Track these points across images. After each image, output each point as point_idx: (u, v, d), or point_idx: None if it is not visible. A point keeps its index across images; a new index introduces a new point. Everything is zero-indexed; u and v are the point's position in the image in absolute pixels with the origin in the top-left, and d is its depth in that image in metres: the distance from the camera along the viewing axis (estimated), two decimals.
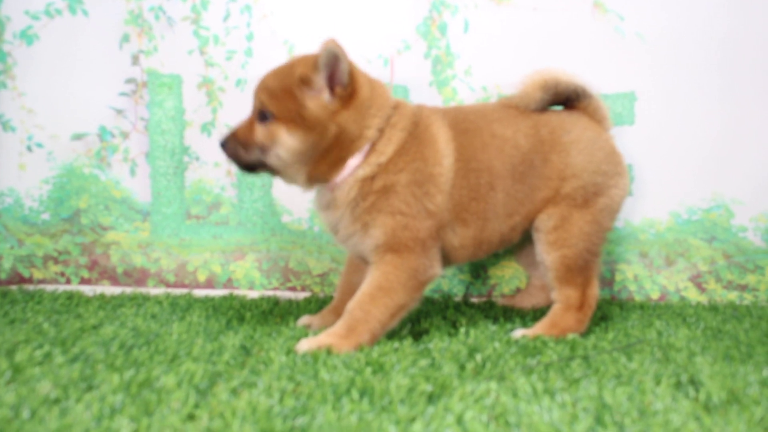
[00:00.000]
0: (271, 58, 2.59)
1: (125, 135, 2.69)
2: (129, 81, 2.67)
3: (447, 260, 2.17)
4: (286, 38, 2.63)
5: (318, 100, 1.96)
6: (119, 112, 2.68)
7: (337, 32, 2.57)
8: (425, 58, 2.63)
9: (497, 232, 2.17)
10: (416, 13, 2.62)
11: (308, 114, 1.96)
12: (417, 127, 2.08)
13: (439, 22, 2.63)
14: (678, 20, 2.60)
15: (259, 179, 2.67)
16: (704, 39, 2.60)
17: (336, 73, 1.94)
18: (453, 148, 2.10)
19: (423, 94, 2.61)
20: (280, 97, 1.97)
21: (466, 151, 2.11)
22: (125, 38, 2.65)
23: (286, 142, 1.98)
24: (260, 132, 2.00)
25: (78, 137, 2.68)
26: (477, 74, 2.63)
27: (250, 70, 2.64)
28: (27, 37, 2.64)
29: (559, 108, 2.30)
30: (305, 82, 1.96)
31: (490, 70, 2.62)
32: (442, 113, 2.17)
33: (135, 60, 2.66)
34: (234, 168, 2.66)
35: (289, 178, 2.09)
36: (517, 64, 2.48)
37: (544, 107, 2.24)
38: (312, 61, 1.95)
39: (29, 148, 2.69)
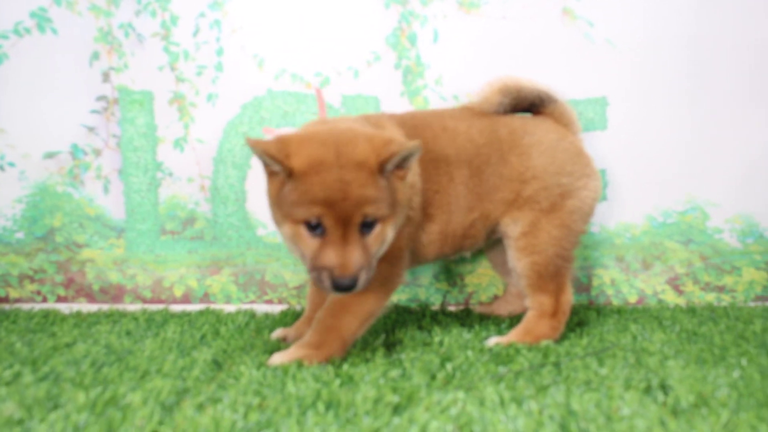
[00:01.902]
0: (241, 72, 2.62)
1: (97, 152, 2.68)
2: (100, 98, 2.66)
3: (415, 260, 2.18)
4: (256, 52, 2.63)
5: (398, 181, 1.86)
6: (91, 129, 2.67)
7: (307, 45, 2.60)
8: (396, 68, 2.64)
9: (460, 225, 2.17)
10: (385, 24, 2.63)
11: (401, 198, 1.87)
12: None
13: (409, 32, 2.63)
14: (647, 25, 2.61)
15: (232, 193, 2.67)
16: (674, 43, 2.62)
17: (405, 164, 1.84)
18: None
19: (394, 105, 2.61)
20: (382, 198, 1.79)
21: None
22: (95, 56, 2.65)
23: (390, 236, 1.88)
24: (371, 242, 1.82)
25: (50, 156, 2.67)
26: (448, 83, 2.64)
27: (220, 85, 2.64)
28: None
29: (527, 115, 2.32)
30: (381, 171, 1.80)
31: (461, 79, 2.62)
32: (392, 117, 2.18)
33: (106, 77, 2.66)
34: (207, 183, 2.67)
35: None
36: (487, 72, 2.48)
37: (506, 112, 2.25)
38: (382, 153, 1.78)
39: (1, 168, 2.67)
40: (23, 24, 2.63)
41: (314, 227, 1.79)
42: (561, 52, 2.63)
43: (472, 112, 2.26)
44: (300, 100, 2.64)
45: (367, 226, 1.80)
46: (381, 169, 1.78)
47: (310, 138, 1.81)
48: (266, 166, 1.84)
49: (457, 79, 2.63)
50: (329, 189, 1.74)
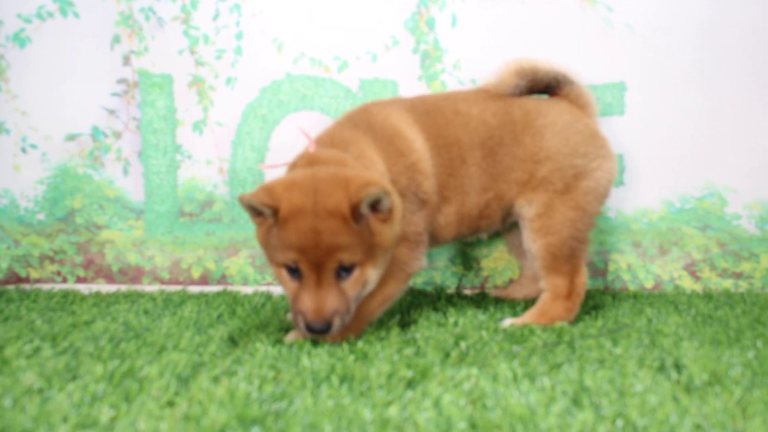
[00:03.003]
0: (260, 56, 2.64)
1: (118, 135, 2.71)
2: (120, 81, 2.69)
3: (434, 241, 2.20)
4: (275, 36, 2.65)
5: (378, 224, 1.88)
6: (111, 112, 2.70)
7: (325, 29, 2.62)
8: (414, 53, 2.64)
9: (475, 205, 2.18)
10: (404, 9, 2.63)
11: (382, 240, 1.88)
12: (373, 129, 2.09)
13: (427, 17, 2.64)
14: (666, 10, 2.60)
15: (250, 175, 2.69)
16: (693, 28, 2.60)
17: (378, 207, 1.86)
18: (418, 130, 2.13)
19: (412, 89, 2.62)
20: (356, 243, 1.83)
21: (431, 130, 2.14)
22: (116, 39, 2.68)
23: (374, 277, 1.91)
24: (349, 286, 1.86)
25: (71, 138, 2.71)
26: (466, 68, 2.64)
27: (239, 69, 2.66)
28: (20, 39, 2.67)
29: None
30: (356, 218, 1.83)
31: (479, 63, 2.62)
32: (396, 103, 2.21)
33: (126, 60, 2.68)
34: (226, 165, 2.69)
35: None
36: (505, 56, 2.47)
37: (522, 94, 2.26)
38: (354, 200, 1.81)
39: (23, 150, 2.71)
40: (46, 8, 2.66)
41: (293, 271, 1.86)
42: (579, 37, 2.62)
43: (487, 94, 2.26)
44: (318, 83, 2.66)
45: (345, 270, 1.85)
46: (355, 215, 1.82)
47: (294, 185, 1.86)
48: (252, 215, 1.91)
49: (474, 63, 2.63)
50: (303, 236, 1.81)
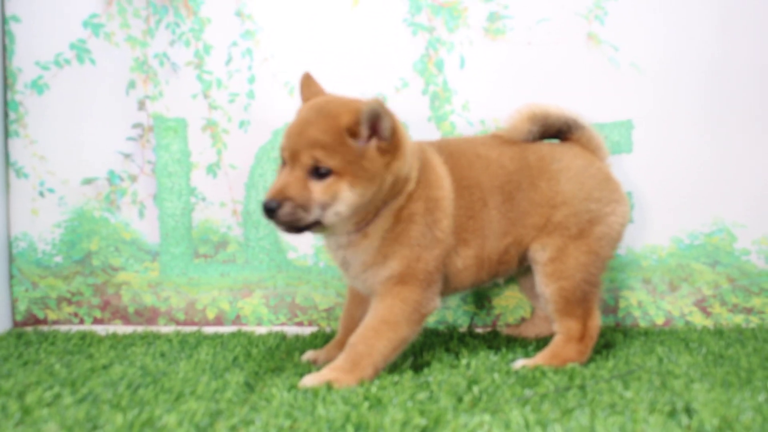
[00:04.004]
0: (272, 99, 2.69)
1: (133, 178, 2.76)
2: (136, 126, 2.75)
3: (452, 287, 2.21)
4: (287, 80, 2.70)
5: (374, 151, 1.95)
6: (127, 156, 2.76)
7: (336, 73, 2.66)
8: (423, 94, 2.69)
9: (495, 250, 2.20)
10: (413, 51, 2.69)
11: (369, 166, 1.95)
12: (421, 156, 2.15)
13: (436, 59, 2.69)
14: (671, 49, 2.64)
15: (264, 218, 2.72)
16: (698, 66, 2.64)
17: (378, 129, 1.94)
18: (447, 171, 2.16)
19: (422, 130, 2.66)
20: (339, 151, 1.91)
21: (456, 171, 2.18)
22: (131, 84, 2.74)
23: (348, 198, 1.93)
24: (318, 189, 1.92)
25: (88, 182, 2.76)
26: (474, 109, 2.68)
27: (252, 112, 2.72)
28: (38, 86, 2.73)
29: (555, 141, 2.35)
30: (352, 133, 1.93)
31: (488, 104, 2.67)
32: (425, 142, 2.25)
33: (141, 105, 2.74)
34: (239, 207, 2.74)
35: (335, 231, 2.05)
36: (514, 97, 2.54)
37: (535, 139, 2.29)
38: (355, 113, 1.92)
39: (41, 194, 2.77)
40: (63, 55, 2.73)
41: (283, 164, 1.99)
42: (586, 77, 2.67)
43: (501, 139, 2.30)
44: None
45: (319, 174, 1.92)
46: (351, 130, 1.92)
47: (320, 96, 2.10)
48: None
49: (483, 104, 2.68)
50: (295, 124, 1.98)
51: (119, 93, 2.74)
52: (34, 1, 2.71)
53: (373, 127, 1.94)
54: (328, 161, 1.91)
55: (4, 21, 2.72)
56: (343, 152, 1.91)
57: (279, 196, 1.90)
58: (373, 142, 1.95)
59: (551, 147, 2.30)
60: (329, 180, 1.92)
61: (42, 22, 2.72)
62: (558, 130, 2.31)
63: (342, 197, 1.93)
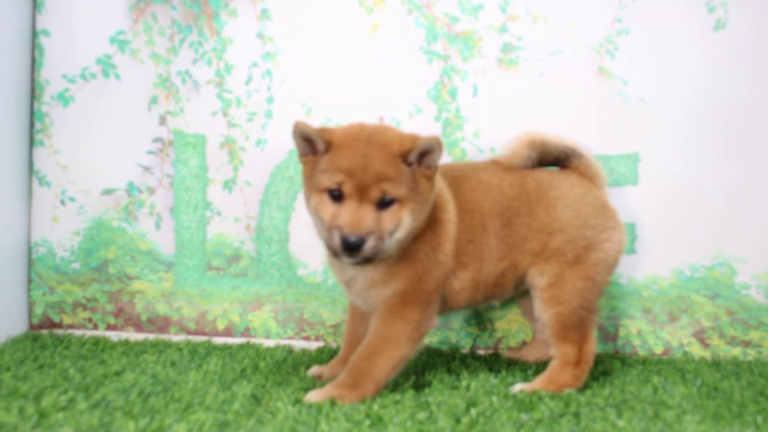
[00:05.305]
0: (289, 120, 2.74)
1: (152, 191, 2.85)
2: (156, 140, 2.84)
3: (447, 306, 2.28)
4: (304, 101, 2.78)
5: (421, 177, 2.04)
6: (146, 169, 2.85)
7: (352, 96, 2.75)
8: (436, 120, 2.77)
9: (492, 273, 2.27)
10: (427, 79, 2.76)
11: (422, 191, 2.04)
12: None
13: (450, 86, 2.77)
14: (680, 84, 2.70)
15: (276, 233, 2.81)
16: (705, 102, 2.70)
17: (427, 159, 2.03)
18: (452, 194, 2.24)
19: None
20: (401, 180, 1.99)
21: (459, 195, 2.26)
22: (154, 100, 2.83)
23: (408, 224, 2.02)
24: (385, 219, 1.99)
25: (108, 192, 2.85)
26: (485, 136, 2.75)
27: (269, 131, 2.80)
28: (63, 98, 2.83)
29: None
30: (404, 160, 2.00)
31: (499, 132, 2.73)
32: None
33: (162, 120, 2.83)
34: (253, 223, 2.82)
35: (384, 257, 2.07)
36: (524, 126, 2.58)
37: (534, 166, 2.36)
38: (408, 141, 2.00)
39: (63, 202, 2.86)
40: (89, 69, 2.82)
41: (336, 196, 2.00)
42: (595, 109, 2.73)
43: (502, 165, 2.37)
44: None
45: (384, 204, 1.99)
46: (404, 157, 1.99)
47: (348, 126, 2.11)
48: (302, 152, 2.09)
49: (494, 132, 2.75)
50: (353, 160, 1.97)
51: (142, 108, 2.83)
52: (64, 16, 2.81)
53: (422, 156, 2.02)
54: (395, 192, 1.98)
55: (35, 35, 2.82)
56: (404, 180, 1.99)
57: (362, 230, 1.95)
58: (420, 169, 2.04)
59: (550, 174, 2.37)
60: (393, 208, 2.00)
61: (71, 36, 2.81)
62: (557, 158, 2.39)
63: (403, 224, 2.02)
